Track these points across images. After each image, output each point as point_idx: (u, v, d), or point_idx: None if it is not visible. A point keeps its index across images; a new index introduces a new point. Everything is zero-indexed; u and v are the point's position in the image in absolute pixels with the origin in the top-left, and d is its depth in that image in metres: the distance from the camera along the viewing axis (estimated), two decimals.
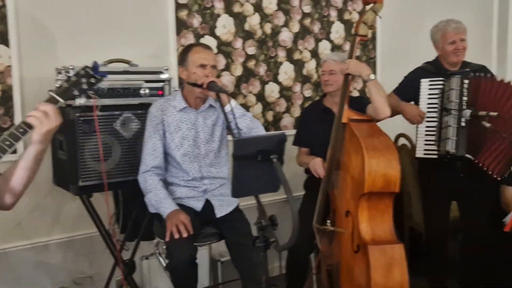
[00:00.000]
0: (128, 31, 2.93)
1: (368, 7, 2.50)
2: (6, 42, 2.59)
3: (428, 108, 2.83)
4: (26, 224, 2.72)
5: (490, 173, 2.62)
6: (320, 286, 2.74)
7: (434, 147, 2.79)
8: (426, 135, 2.84)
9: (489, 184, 2.87)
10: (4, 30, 2.58)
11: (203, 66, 2.35)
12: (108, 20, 2.88)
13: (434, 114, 2.80)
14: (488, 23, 4.69)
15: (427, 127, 2.83)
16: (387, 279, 2.24)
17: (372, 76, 2.43)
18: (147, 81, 2.61)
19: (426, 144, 2.84)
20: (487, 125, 2.52)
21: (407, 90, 2.94)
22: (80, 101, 2.34)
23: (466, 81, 2.68)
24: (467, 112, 2.64)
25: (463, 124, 2.68)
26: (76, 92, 1.69)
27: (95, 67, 1.73)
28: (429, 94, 2.83)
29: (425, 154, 2.83)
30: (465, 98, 2.68)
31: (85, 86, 1.70)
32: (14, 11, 2.59)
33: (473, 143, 2.68)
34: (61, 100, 1.64)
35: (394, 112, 2.93)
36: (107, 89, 2.47)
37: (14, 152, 1.91)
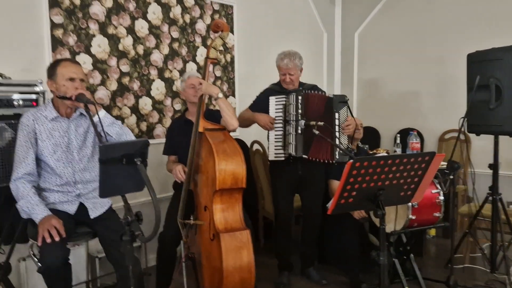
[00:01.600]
0: (2, 46, 2.69)
1: (216, 34, 2.54)
2: None
3: (276, 120, 2.93)
4: None
5: (326, 161, 2.81)
6: (188, 272, 2.75)
7: (281, 151, 2.90)
8: (275, 141, 2.93)
9: (320, 179, 3.08)
10: None
11: (72, 79, 2.19)
12: None
13: (280, 125, 2.91)
14: (319, 52, 5.06)
15: (276, 135, 2.93)
16: (236, 260, 2.30)
17: (220, 95, 2.46)
18: (21, 93, 2.43)
19: (275, 149, 2.93)
20: (316, 132, 2.69)
21: (260, 106, 3.03)
22: None
23: (300, 97, 2.82)
24: (302, 122, 2.79)
25: (299, 131, 2.81)
26: None
27: None
28: (276, 109, 2.93)
29: (275, 157, 2.93)
30: (300, 111, 2.81)
31: None
32: None
33: (308, 145, 2.83)
34: None
35: (250, 122, 3.05)
36: None
37: None
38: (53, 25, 2.87)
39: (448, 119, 4.04)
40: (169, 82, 3.57)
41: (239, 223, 2.42)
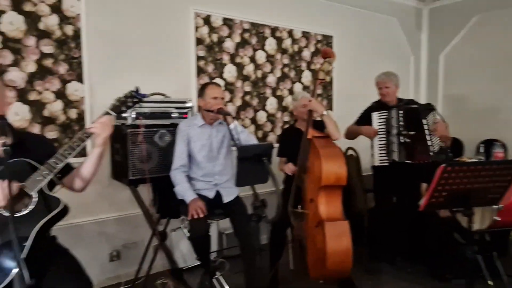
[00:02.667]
0: (164, 73, 3.03)
1: (325, 60, 2.57)
2: (81, 80, 2.70)
3: (379, 132, 2.94)
4: (92, 206, 2.76)
5: (424, 162, 2.79)
6: (294, 251, 2.81)
7: (386, 158, 2.92)
8: (379, 150, 2.94)
9: (413, 182, 3.04)
10: (80, 73, 2.70)
11: (215, 98, 2.39)
12: (151, 65, 2.96)
13: (383, 135, 2.93)
14: (406, 73, 4.83)
15: (379, 144, 2.94)
16: (338, 245, 2.31)
17: (325, 112, 2.50)
18: (176, 108, 2.67)
19: (380, 156, 2.94)
20: (408, 140, 2.74)
21: (364, 120, 3.06)
22: (129, 118, 2.37)
23: (401, 111, 2.85)
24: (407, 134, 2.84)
25: (402, 140, 2.84)
26: (123, 108, 1.74)
27: (137, 90, 1.78)
28: (378, 123, 2.95)
29: (380, 162, 2.93)
30: (401, 123, 2.84)
31: (130, 104, 1.75)
32: (87, 61, 2.70)
33: (407, 151, 2.84)
34: (113, 113, 1.68)
35: (356, 135, 3.09)
36: (149, 113, 2.51)
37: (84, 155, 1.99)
38: (198, 58, 3.21)
39: None
40: (280, 99, 3.76)
41: (339, 214, 2.44)
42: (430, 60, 4.90)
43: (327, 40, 4.07)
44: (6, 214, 1.41)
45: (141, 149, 2.46)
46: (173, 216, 2.67)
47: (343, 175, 2.41)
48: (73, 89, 2.69)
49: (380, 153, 2.95)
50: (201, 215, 2.22)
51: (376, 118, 2.96)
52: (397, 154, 2.87)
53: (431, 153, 2.77)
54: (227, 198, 2.51)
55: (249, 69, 3.51)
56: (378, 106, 3.06)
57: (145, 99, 1.90)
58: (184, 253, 3.06)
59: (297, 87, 3.86)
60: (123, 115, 2.28)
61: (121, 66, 2.85)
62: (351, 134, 3.10)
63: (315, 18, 3.93)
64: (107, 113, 1.69)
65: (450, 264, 2.88)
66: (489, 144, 3.60)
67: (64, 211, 1.55)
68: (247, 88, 3.52)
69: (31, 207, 1.48)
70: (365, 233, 3.19)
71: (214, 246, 3.05)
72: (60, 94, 2.64)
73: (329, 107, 4.15)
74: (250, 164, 1.83)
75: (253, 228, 1.92)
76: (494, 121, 4.30)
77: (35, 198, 1.49)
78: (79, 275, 1.56)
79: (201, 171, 2.49)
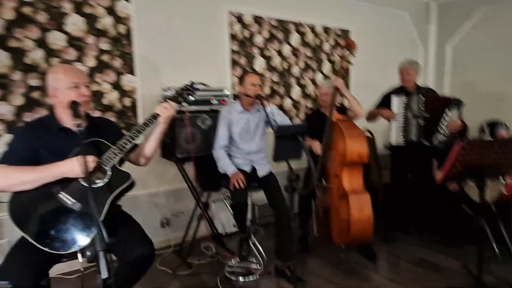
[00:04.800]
0: (204, 65, 3.01)
1: (347, 50, 2.50)
2: (133, 73, 2.71)
3: (398, 114, 2.84)
4: (146, 180, 2.80)
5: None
6: (318, 220, 2.79)
7: (402, 139, 2.84)
8: (398, 131, 2.85)
9: (427, 161, 2.97)
10: (131, 66, 2.71)
11: (253, 84, 2.38)
12: (193, 58, 2.96)
13: (402, 119, 2.84)
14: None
15: (398, 126, 2.85)
16: (360, 214, 2.31)
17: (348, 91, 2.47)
18: (215, 96, 2.68)
19: (398, 137, 2.85)
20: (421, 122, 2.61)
21: (384, 102, 2.96)
22: (181, 106, 2.39)
23: (422, 98, 2.76)
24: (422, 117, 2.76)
25: (421, 123, 2.76)
26: (180, 99, 1.79)
27: (192, 84, 1.84)
28: (399, 106, 2.85)
29: (397, 143, 2.87)
30: (421, 107, 2.75)
31: (185, 95, 1.81)
32: (138, 56, 2.72)
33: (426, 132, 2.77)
34: (171, 102, 1.71)
35: (375, 117, 3.00)
36: (193, 100, 2.49)
37: None
38: (232, 52, 3.18)
39: None
40: (303, 88, 3.69)
41: (361, 188, 2.42)
42: (438, 51, 4.69)
43: (345, 34, 3.94)
44: (86, 184, 1.45)
45: (187, 131, 2.49)
46: (213, 189, 2.71)
47: (364, 154, 2.38)
48: (127, 81, 2.71)
49: (399, 134, 2.86)
50: (242, 185, 2.24)
51: (397, 101, 2.86)
52: (415, 134, 2.79)
53: (434, 137, 2.73)
54: (261, 172, 2.51)
55: (276, 61, 3.46)
56: (398, 90, 2.96)
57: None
58: (223, 221, 3.09)
59: (319, 76, 3.78)
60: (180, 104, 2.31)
61: (167, 60, 2.86)
62: (372, 116, 3.02)
63: (334, 14, 3.81)
64: (167, 101, 1.73)
65: (460, 233, 2.83)
66: (493, 125, 3.45)
67: (132, 185, 1.58)
68: (275, 78, 3.47)
69: (106, 180, 1.51)
70: (381, 205, 3.13)
71: (248, 215, 3.05)
72: (116, 85, 2.66)
73: None
74: (287, 142, 1.81)
75: (287, 198, 1.91)
76: (497, 105, 4.10)
77: (109, 172, 1.52)
78: (144, 236, 1.61)
79: (240, 150, 2.50)
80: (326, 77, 3.79)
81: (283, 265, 2.34)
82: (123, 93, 2.70)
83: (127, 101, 2.72)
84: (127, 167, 1.62)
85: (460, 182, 2.60)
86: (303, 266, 2.52)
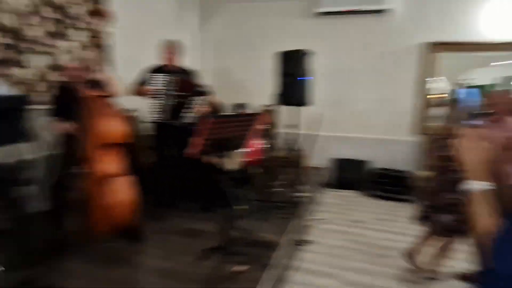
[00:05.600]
0: None
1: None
2: None
3: (156, 92, 2.83)
4: None
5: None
6: (75, 211, 2.36)
7: (158, 117, 2.83)
8: (155, 109, 2.84)
9: (184, 138, 3.00)
10: None
11: None
12: None
13: (159, 97, 2.85)
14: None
15: (155, 104, 2.83)
16: (119, 197, 2.18)
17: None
18: None
19: (154, 114, 2.84)
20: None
21: (143, 80, 2.92)
22: None
23: (178, 79, 2.83)
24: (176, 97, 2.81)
25: (174, 103, 2.83)
26: None
27: None
28: (155, 84, 2.83)
29: (153, 121, 2.84)
30: (177, 88, 2.82)
31: None
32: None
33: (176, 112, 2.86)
34: None
35: (137, 94, 2.91)
36: None
37: None
38: None
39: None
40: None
41: (121, 170, 2.27)
42: (203, 35, 5.10)
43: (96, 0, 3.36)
44: None
45: None
46: None
47: (119, 134, 2.23)
48: None
49: (156, 112, 2.88)
50: None
51: (156, 80, 2.84)
52: (169, 113, 2.87)
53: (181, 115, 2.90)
54: None
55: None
56: (158, 68, 2.95)
57: None
58: None
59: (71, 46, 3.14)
60: None
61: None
62: (133, 92, 2.91)
63: None
64: None
65: (216, 198, 3.20)
66: (239, 106, 4.20)
67: None
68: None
69: None
70: (150, 185, 3.11)
71: None
72: None
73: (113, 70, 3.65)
74: None
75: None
76: (244, 89, 4.97)
77: None
78: None
79: None
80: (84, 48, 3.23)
81: None
82: None
83: None
84: None
85: (209, 155, 2.92)
86: (62, 273, 2.14)
